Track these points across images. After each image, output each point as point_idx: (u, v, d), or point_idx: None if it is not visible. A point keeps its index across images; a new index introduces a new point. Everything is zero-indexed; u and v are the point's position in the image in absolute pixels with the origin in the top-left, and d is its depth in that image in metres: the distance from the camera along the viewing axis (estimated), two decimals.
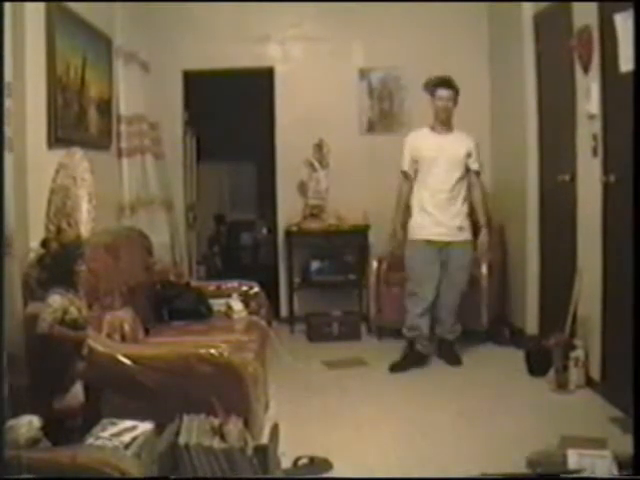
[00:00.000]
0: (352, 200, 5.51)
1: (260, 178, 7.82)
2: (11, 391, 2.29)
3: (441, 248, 4.42)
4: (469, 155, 4.45)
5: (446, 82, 4.42)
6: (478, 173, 4.54)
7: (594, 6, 3.64)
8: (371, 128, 5.72)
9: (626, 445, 2.64)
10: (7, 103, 2.54)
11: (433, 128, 4.49)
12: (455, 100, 4.44)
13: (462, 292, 4.53)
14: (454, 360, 4.54)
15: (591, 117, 3.74)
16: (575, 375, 3.82)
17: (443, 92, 4.40)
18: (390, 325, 5.02)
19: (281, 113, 5.70)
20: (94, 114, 4.06)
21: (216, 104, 7.22)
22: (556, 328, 4.02)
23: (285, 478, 2.76)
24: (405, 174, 4.54)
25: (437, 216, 4.40)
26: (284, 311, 5.69)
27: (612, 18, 3.35)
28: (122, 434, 2.24)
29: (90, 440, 2.21)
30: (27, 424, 2.15)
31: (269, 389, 3.49)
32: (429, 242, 4.42)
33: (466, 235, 4.47)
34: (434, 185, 4.42)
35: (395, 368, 4.41)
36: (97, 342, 2.68)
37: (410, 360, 4.47)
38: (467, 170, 4.47)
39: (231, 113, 7.21)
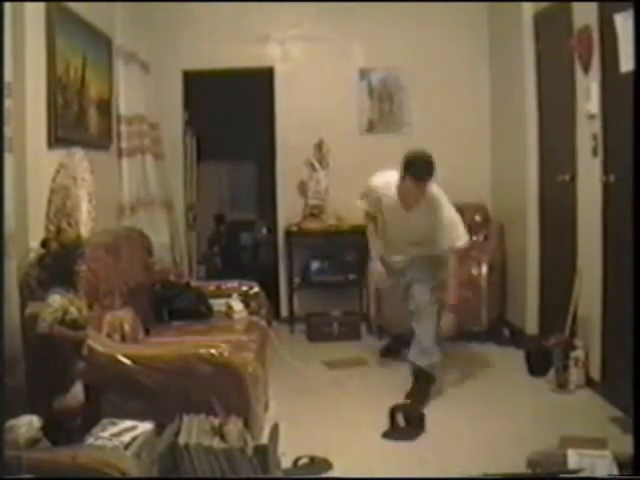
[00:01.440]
0: (352, 200, 5.49)
1: (260, 178, 7.83)
2: (9, 392, 2.30)
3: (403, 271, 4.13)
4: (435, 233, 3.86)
5: (427, 168, 3.72)
6: (452, 249, 3.89)
7: (594, 6, 3.64)
8: (371, 128, 5.72)
9: (626, 445, 2.64)
10: (7, 103, 2.55)
11: (400, 199, 3.90)
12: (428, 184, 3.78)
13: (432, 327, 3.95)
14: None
15: (591, 117, 3.74)
16: (575, 375, 3.82)
17: (421, 184, 3.73)
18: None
19: (281, 113, 5.70)
20: (94, 114, 4.06)
21: (216, 104, 7.22)
22: (556, 328, 4.03)
23: (285, 478, 2.76)
24: (367, 214, 4.24)
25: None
26: (284, 311, 5.69)
27: (612, 18, 3.36)
28: (122, 434, 2.24)
29: (90, 440, 2.21)
30: (27, 424, 2.15)
31: (269, 389, 3.49)
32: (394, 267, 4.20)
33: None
34: (396, 239, 4.13)
35: (385, 353, 4.55)
36: (97, 342, 2.68)
37: (397, 343, 4.56)
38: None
39: (231, 113, 7.21)
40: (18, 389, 2.46)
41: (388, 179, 3.98)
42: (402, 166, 3.79)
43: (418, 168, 3.73)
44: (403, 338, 4.59)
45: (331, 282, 5.54)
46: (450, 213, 3.87)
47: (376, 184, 4.10)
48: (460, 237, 3.88)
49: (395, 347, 4.64)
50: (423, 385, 3.87)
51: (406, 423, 3.38)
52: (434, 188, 3.84)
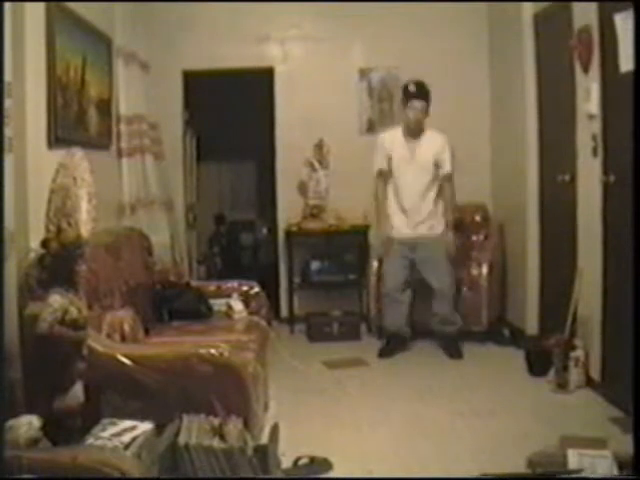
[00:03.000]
0: (352, 200, 5.51)
1: (260, 178, 7.83)
2: (9, 391, 2.30)
3: (413, 247, 4.60)
4: (437, 160, 4.57)
5: (420, 93, 4.48)
6: (448, 176, 4.62)
7: (594, 6, 3.64)
8: (371, 128, 5.71)
9: (626, 445, 2.64)
10: (7, 103, 2.54)
11: (405, 132, 4.62)
12: (427, 110, 4.54)
13: (450, 283, 4.65)
14: (455, 353, 4.60)
15: (591, 117, 3.74)
16: (575, 375, 3.82)
17: (416, 103, 4.48)
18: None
19: (281, 113, 5.70)
20: (94, 114, 4.06)
21: (216, 104, 7.22)
22: (556, 328, 4.03)
23: (285, 478, 2.76)
24: (380, 172, 4.68)
25: (409, 217, 4.60)
26: (284, 311, 5.69)
27: (612, 18, 3.36)
28: (122, 434, 2.24)
29: (90, 440, 2.21)
30: (27, 424, 2.15)
31: (269, 389, 3.49)
32: (402, 243, 4.61)
33: (437, 232, 4.63)
34: (405, 188, 4.61)
35: (383, 354, 4.60)
36: (97, 342, 2.68)
37: (394, 344, 4.65)
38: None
39: (231, 113, 7.20)
40: (19, 388, 2.46)
41: (393, 131, 4.71)
42: (402, 94, 4.60)
43: (413, 89, 4.49)
44: (399, 338, 4.65)
45: (331, 282, 5.53)
46: (445, 147, 4.61)
47: (383, 135, 4.76)
48: (450, 165, 4.63)
49: (393, 347, 4.66)
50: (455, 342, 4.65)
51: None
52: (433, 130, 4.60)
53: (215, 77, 6.14)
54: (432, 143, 4.58)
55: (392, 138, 4.65)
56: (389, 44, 5.60)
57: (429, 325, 4.74)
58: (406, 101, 4.54)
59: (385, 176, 4.67)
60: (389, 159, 4.61)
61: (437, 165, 4.58)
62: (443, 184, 4.62)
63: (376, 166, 4.69)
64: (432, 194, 4.61)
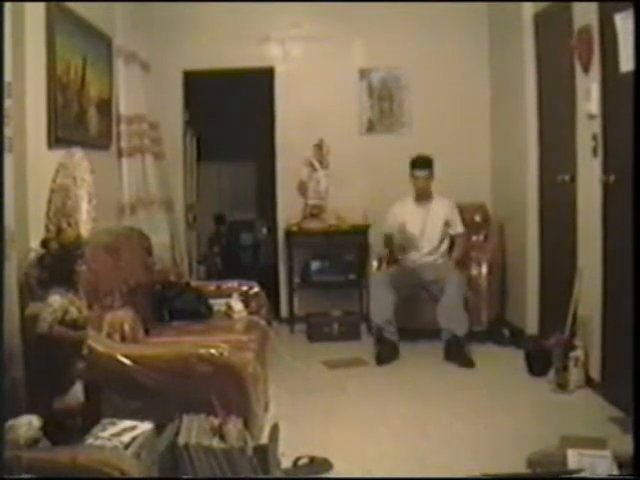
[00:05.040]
0: (352, 200, 5.52)
1: (260, 178, 7.83)
2: (10, 391, 2.30)
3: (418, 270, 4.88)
4: (447, 223, 4.97)
5: (422, 163, 4.86)
6: (460, 234, 5.04)
7: (594, 6, 3.64)
8: (371, 128, 5.72)
9: (626, 445, 2.64)
10: (7, 103, 2.54)
11: (415, 199, 4.99)
12: (431, 176, 4.90)
13: (457, 290, 4.65)
14: (465, 361, 4.46)
15: (591, 117, 3.74)
16: (575, 375, 3.82)
17: (419, 172, 4.87)
18: None
19: (281, 113, 5.70)
20: (94, 114, 4.06)
21: (216, 104, 7.22)
22: (556, 328, 4.03)
23: (285, 478, 2.76)
24: (389, 237, 5.03)
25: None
26: (284, 311, 5.69)
27: (612, 18, 3.36)
28: (122, 434, 2.24)
29: (90, 440, 2.21)
30: (27, 424, 2.15)
31: (269, 389, 3.49)
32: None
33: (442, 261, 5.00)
34: (418, 248, 4.91)
35: (381, 360, 4.56)
36: (97, 342, 2.68)
37: (386, 349, 4.62)
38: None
39: (231, 113, 7.21)
40: (19, 387, 2.46)
41: (404, 200, 5.02)
42: (409, 168, 4.92)
43: (418, 163, 4.88)
44: (394, 344, 4.61)
45: (331, 282, 5.54)
46: (453, 211, 5.05)
47: (395, 205, 5.05)
48: (461, 226, 5.07)
49: (389, 354, 4.61)
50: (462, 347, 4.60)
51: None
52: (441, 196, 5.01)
53: (215, 77, 6.15)
54: (441, 206, 4.98)
55: (403, 205, 5.00)
56: (389, 44, 5.60)
57: (431, 325, 4.71)
58: (412, 172, 4.89)
59: (392, 242, 4.99)
60: (402, 224, 4.86)
61: (448, 225, 4.97)
62: (456, 239, 5.02)
63: (385, 231, 5.06)
64: (443, 248, 4.98)
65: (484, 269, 4.94)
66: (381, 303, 4.69)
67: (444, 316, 4.62)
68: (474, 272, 4.97)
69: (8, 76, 2.58)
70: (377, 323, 4.72)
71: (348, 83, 5.67)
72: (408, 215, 4.92)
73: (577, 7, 3.92)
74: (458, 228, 5.02)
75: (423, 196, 4.95)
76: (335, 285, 5.56)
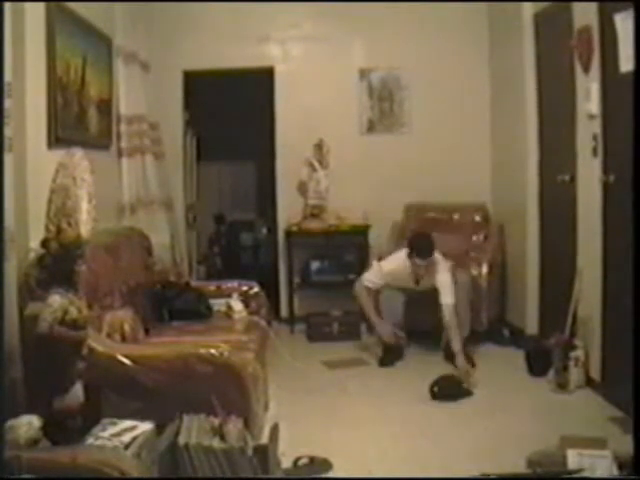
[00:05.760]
0: (352, 200, 5.51)
1: (260, 178, 7.83)
2: (10, 391, 2.30)
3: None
4: (438, 288, 4.39)
5: (425, 251, 4.35)
6: (448, 307, 4.35)
7: (594, 6, 3.64)
8: (371, 128, 5.72)
9: (626, 445, 2.64)
10: (7, 103, 2.54)
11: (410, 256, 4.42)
12: (432, 261, 4.38)
13: (461, 290, 4.52)
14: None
15: (591, 117, 3.74)
16: (575, 375, 3.82)
17: (420, 262, 4.37)
18: None
19: (281, 113, 5.70)
20: (94, 114, 4.06)
21: (216, 104, 7.22)
22: (556, 328, 4.03)
23: (285, 478, 2.76)
24: (368, 289, 4.62)
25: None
26: (284, 311, 5.69)
27: (612, 18, 3.36)
28: (122, 434, 2.24)
29: (90, 440, 2.20)
30: (27, 424, 2.15)
31: (269, 389, 3.49)
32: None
33: None
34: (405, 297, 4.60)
35: (384, 362, 4.52)
36: (97, 342, 2.68)
37: (391, 352, 4.57)
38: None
39: (231, 113, 7.21)
40: (19, 387, 2.46)
41: (397, 260, 4.53)
42: (408, 247, 4.44)
43: (420, 250, 4.37)
44: (395, 349, 4.60)
45: (331, 282, 5.53)
46: (446, 277, 4.42)
47: (388, 269, 4.57)
48: (452, 297, 4.38)
49: (393, 357, 4.60)
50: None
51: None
52: (436, 255, 4.43)
53: (215, 77, 6.15)
54: (435, 267, 4.42)
55: (397, 269, 4.51)
56: (389, 44, 5.60)
57: (432, 325, 4.69)
58: (411, 255, 4.39)
59: (373, 292, 4.64)
60: (391, 276, 4.53)
61: (438, 291, 4.40)
62: (444, 314, 4.35)
63: (366, 281, 4.61)
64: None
65: (484, 269, 4.93)
66: (392, 305, 4.62)
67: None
68: (474, 272, 4.96)
69: (8, 76, 2.58)
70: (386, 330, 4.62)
71: (348, 83, 5.67)
72: (399, 271, 4.51)
73: (577, 7, 3.92)
74: (447, 298, 4.36)
75: (421, 276, 4.50)
76: (335, 285, 5.55)
